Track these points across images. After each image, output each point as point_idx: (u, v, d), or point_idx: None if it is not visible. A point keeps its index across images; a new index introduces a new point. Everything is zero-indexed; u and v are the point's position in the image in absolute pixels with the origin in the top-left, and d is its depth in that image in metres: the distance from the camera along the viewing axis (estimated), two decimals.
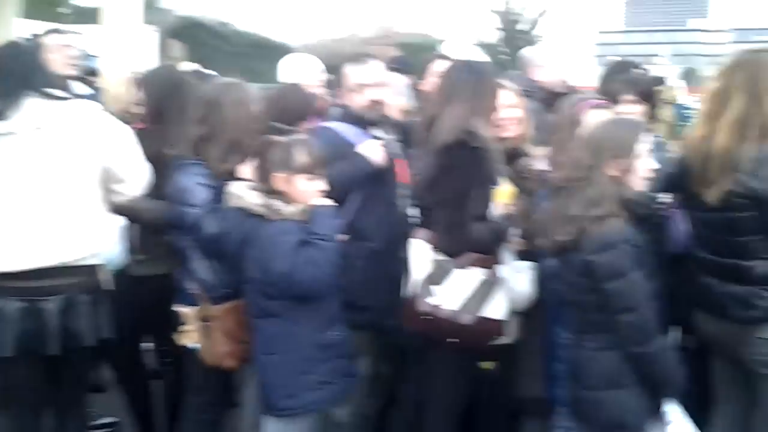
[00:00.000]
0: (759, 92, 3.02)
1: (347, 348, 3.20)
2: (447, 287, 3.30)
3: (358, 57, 3.77)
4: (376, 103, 3.68)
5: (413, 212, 3.61)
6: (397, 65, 5.45)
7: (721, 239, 3.15)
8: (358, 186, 3.57)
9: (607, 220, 2.77)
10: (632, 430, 2.84)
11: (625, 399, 2.81)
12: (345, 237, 3.29)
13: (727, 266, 3.13)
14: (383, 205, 3.65)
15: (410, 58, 5.76)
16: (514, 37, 23.30)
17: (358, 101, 3.69)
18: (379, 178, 3.62)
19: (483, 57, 4.70)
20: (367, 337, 3.60)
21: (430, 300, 3.31)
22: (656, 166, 3.04)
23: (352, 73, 3.72)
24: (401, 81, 4.92)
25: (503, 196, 3.38)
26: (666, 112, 5.13)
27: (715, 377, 3.45)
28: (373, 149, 3.57)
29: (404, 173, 3.75)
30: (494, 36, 23.16)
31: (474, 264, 3.30)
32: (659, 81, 7.12)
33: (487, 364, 3.59)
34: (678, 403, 2.92)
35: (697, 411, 3.52)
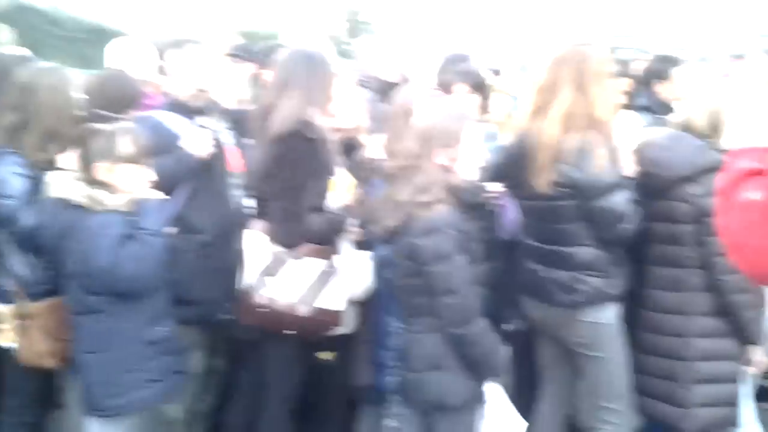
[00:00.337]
0: (585, 84, 3.13)
1: (176, 344, 3.10)
2: (284, 279, 3.25)
3: (181, 43, 3.65)
4: (202, 91, 3.58)
5: (249, 203, 3.54)
6: (239, 53, 5.35)
7: (545, 227, 3.27)
8: (183, 180, 3.46)
9: (434, 205, 2.84)
10: (454, 411, 2.91)
11: (446, 380, 2.88)
12: (173, 230, 3.19)
13: (550, 253, 3.24)
14: (213, 197, 3.56)
15: (254, 47, 5.63)
16: (358, 28, 23.38)
17: (181, 89, 3.58)
18: (207, 170, 3.52)
19: (326, 47, 4.66)
20: (198, 331, 3.51)
21: (267, 292, 3.25)
22: (486, 155, 3.12)
23: (176, 59, 3.60)
24: (241, 69, 4.82)
25: (340, 187, 3.36)
26: (501, 103, 5.26)
27: (542, 359, 3.58)
28: (197, 142, 3.46)
29: (238, 163, 3.66)
30: (339, 27, 23.16)
31: (311, 255, 3.27)
32: (495, 72, 7.32)
33: (325, 355, 3.57)
34: (501, 384, 3.00)
35: (526, 391, 3.66)
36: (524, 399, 3.69)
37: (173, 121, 3.52)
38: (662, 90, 4.85)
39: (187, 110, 3.56)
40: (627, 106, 4.27)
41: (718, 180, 1.94)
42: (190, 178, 3.48)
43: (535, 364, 3.63)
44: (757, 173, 1.86)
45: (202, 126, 3.54)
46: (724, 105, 2.01)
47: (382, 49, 4.91)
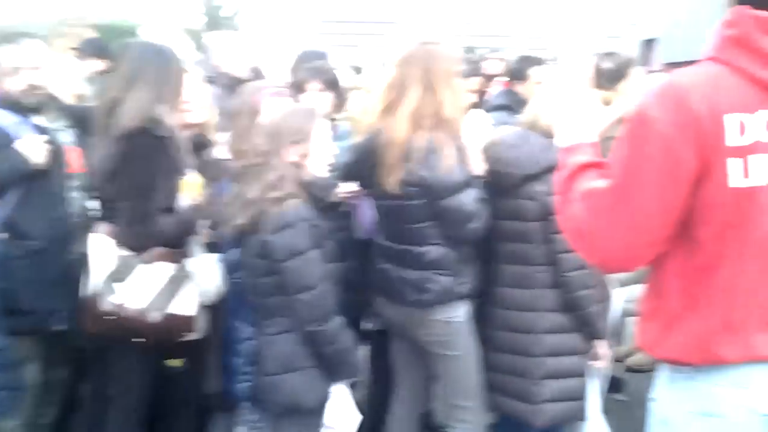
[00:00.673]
0: (433, 83, 3.13)
1: (7, 357, 2.93)
2: (132, 284, 3.11)
3: (12, 37, 3.47)
4: (34, 87, 3.41)
5: (93, 205, 3.36)
6: (89, 48, 5.14)
7: (396, 226, 3.25)
8: (15, 184, 3.28)
9: (286, 201, 2.80)
10: (308, 412, 2.87)
11: (301, 381, 2.85)
12: (2, 235, 2.99)
13: (402, 252, 3.23)
14: (48, 200, 3.39)
15: (108, 42, 5.41)
16: (218, 23, 23.06)
17: (14, 85, 3.40)
18: (42, 172, 3.35)
19: (184, 41, 4.53)
20: (33, 342, 3.35)
21: (114, 299, 3.10)
22: (337, 153, 3.09)
23: (6, 54, 3.42)
24: (87, 65, 4.61)
25: (190, 187, 3.25)
26: (360, 101, 5.25)
27: (396, 358, 3.58)
28: (32, 147, 3.29)
29: (79, 162, 3.48)
30: (198, 21, 22.76)
31: (161, 258, 3.15)
32: (356, 70, 7.31)
33: (174, 362, 3.45)
34: (349, 383, 2.98)
35: (383, 391, 3.66)
36: (381, 399, 3.70)
37: (4, 119, 3.35)
38: (523, 90, 4.91)
39: (21, 107, 3.39)
40: (477, 105, 4.33)
41: (557, 176, 1.98)
42: (23, 182, 3.30)
43: (391, 364, 3.63)
44: (593, 165, 1.92)
45: (37, 125, 3.36)
46: (560, 103, 2.06)
47: (234, 45, 4.82)
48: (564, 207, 1.93)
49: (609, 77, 3.85)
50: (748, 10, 1.76)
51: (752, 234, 1.75)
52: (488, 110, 4.84)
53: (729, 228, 1.75)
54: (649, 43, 21.80)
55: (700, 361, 1.84)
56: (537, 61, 5.03)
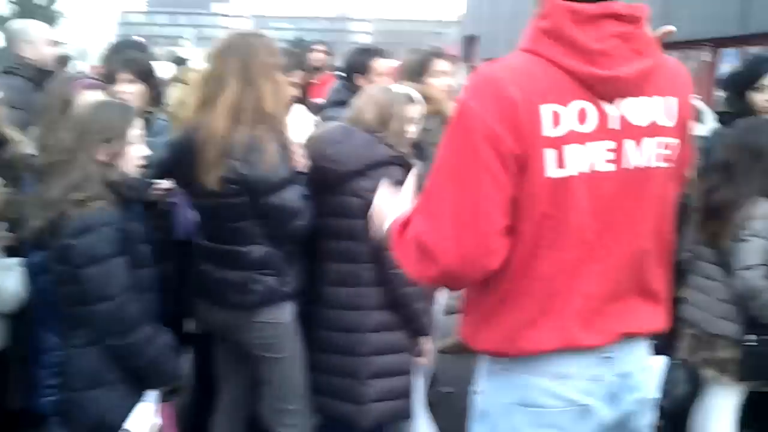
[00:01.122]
0: (252, 76, 2.98)
1: None
2: None
3: None
4: None
5: None
6: None
7: (217, 225, 3.09)
8: None
9: (90, 203, 2.60)
10: (116, 430, 2.67)
11: (106, 397, 2.66)
12: None
13: (223, 252, 3.08)
14: None
15: None
16: (32, 12, 21.73)
17: None
18: None
19: None
20: None
21: None
22: (151, 149, 2.91)
23: None
24: None
25: None
26: (177, 94, 5.02)
27: (220, 364, 3.43)
28: None
29: None
30: (6, 9, 21.37)
31: None
32: (178, 61, 7.04)
33: None
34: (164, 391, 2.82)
35: (207, 396, 3.50)
36: (204, 405, 3.55)
37: None
38: (364, 82, 4.64)
39: None
40: (301, 99, 4.21)
41: (390, 241, 1.93)
42: None
43: (214, 369, 3.47)
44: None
45: None
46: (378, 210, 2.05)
47: (39, 34, 4.47)
48: (399, 248, 1.87)
49: (414, 70, 3.93)
50: (560, 1, 1.75)
51: (568, 224, 1.75)
52: (327, 105, 4.71)
53: (546, 218, 1.74)
54: (471, 40, 22.58)
55: (517, 351, 1.83)
56: (377, 53, 4.82)
